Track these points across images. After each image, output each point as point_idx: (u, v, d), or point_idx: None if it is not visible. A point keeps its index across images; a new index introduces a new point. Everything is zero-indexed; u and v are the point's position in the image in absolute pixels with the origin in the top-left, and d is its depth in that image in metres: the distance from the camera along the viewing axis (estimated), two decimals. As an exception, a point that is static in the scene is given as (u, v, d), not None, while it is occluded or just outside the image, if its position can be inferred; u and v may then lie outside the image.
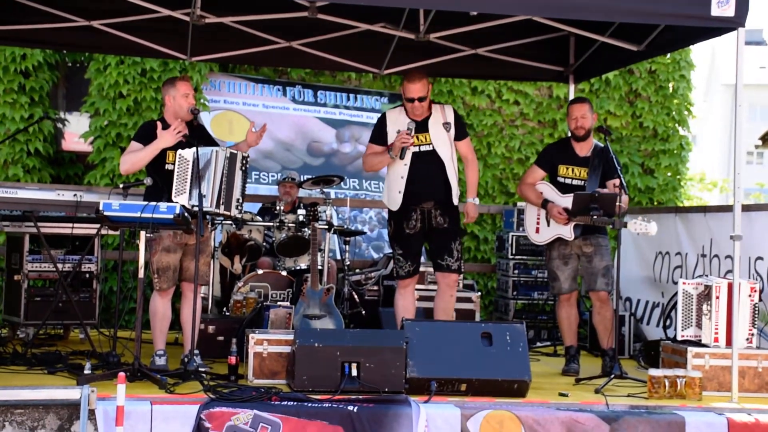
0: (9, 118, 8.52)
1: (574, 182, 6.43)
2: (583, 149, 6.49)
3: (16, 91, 8.57)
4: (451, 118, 6.15)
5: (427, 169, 6.06)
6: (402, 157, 6.01)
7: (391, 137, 6.11)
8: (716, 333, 5.87)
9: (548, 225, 6.44)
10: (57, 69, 8.98)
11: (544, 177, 6.58)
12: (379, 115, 7.22)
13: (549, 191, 6.47)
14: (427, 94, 6.10)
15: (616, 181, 6.14)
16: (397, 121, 6.13)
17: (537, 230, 6.53)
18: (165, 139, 5.70)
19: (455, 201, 6.15)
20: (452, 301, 6.17)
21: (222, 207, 5.72)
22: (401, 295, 6.18)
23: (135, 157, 5.73)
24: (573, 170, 6.46)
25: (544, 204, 6.41)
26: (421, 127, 6.09)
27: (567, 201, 6.31)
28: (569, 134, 6.62)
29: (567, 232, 6.35)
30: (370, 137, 6.31)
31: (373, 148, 6.20)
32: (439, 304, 6.17)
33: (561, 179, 6.47)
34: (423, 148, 6.08)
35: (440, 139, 6.10)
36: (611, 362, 6.01)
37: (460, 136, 6.19)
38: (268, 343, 5.50)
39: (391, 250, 6.40)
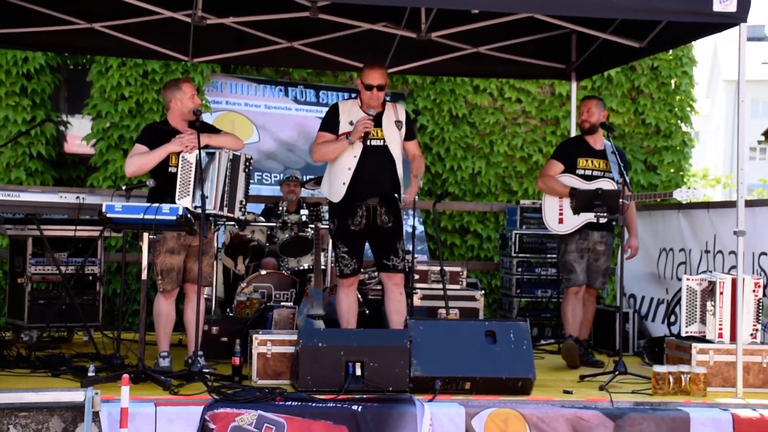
0: (11, 121, 8.54)
1: (595, 173, 6.55)
2: (596, 143, 6.65)
3: (18, 94, 8.59)
4: (402, 117, 6.06)
5: (376, 164, 5.93)
6: (364, 142, 5.85)
7: (343, 128, 5.96)
8: (720, 329, 5.86)
9: (575, 213, 6.49)
10: (59, 72, 8.99)
11: (564, 170, 6.62)
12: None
13: (573, 181, 6.54)
14: (386, 86, 5.98)
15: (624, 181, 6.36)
16: (350, 113, 6.00)
17: (560, 220, 6.55)
18: (175, 145, 5.66)
19: (400, 197, 6.04)
20: (403, 300, 6.04)
21: (225, 209, 5.71)
22: (345, 295, 6.06)
23: (142, 160, 5.71)
24: (592, 162, 6.58)
25: (573, 192, 6.46)
26: (375, 121, 5.96)
27: (592, 188, 6.41)
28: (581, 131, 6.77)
29: (592, 215, 6.38)
30: (320, 126, 6.13)
31: (324, 136, 6.02)
32: (391, 306, 6.00)
33: (582, 171, 6.58)
34: (374, 143, 5.95)
35: (392, 136, 6.00)
36: (585, 351, 6.08)
37: (410, 136, 6.08)
38: (272, 343, 5.50)
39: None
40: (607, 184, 6.45)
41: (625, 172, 6.36)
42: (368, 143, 5.91)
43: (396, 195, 6.03)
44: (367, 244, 6.13)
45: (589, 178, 6.54)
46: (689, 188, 6.15)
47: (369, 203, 5.96)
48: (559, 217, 6.56)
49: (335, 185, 5.97)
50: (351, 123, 5.96)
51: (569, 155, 6.64)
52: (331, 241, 6.48)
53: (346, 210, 5.97)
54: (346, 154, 5.94)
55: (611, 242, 6.65)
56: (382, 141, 5.99)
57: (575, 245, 6.55)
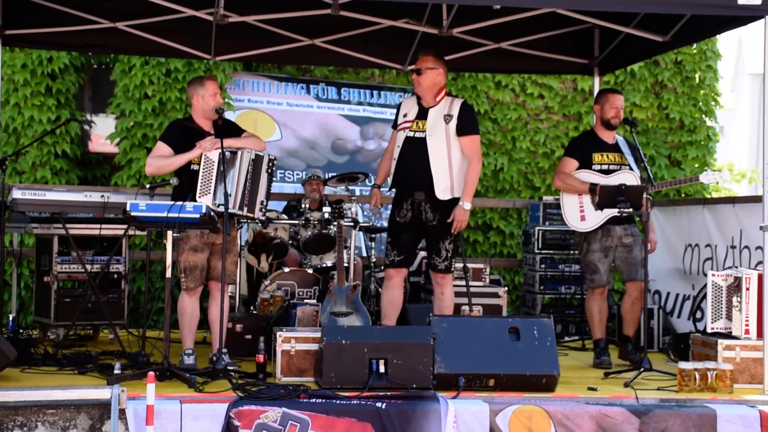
0: (37, 120, 8.60)
1: (611, 167, 6.44)
2: (609, 137, 6.55)
3: (43, 93, 8.66)
4: (455, 111, 6.00)
5: (412, 156, 5.98)
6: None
7: (399, 120, 6.15)
8: (747, 325, 5.80)
9: (597, 209, 6.36)
10: (83, 71, 9.06)
11: (579, 167, 6.52)
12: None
13: (591, 177, 6.43)
14: (426, 71, 5.97)
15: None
16: (407, 106, 6.16)
17: (582, 218, 6.45)
18: (196, 152, 5.68)
19: (445, 196, 5.95)
20: (444, 299, 6.07)
21: (245, 209, 5.72)
22: (386, 288, 6.08)
23: (161, 163, 5.74)
24: (608, 156, 6.48)
25: (593, 188, 6.34)
26: (423, 113, 6.04)
27: (614, 181, 6.31)
28: (593, 124, 6.67)
29: (616, 210, 6.26)
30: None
31: (391, 136, 6.27)
32: (435, 303, 6.14)
33: (597, 166, 6.46)
34: (417, 135, 6.02)
35: (435, 129, 5.98)
36: (632, 349, 6.01)
37: (461, 131, 5.99)
38: (296, 340, 5.51)
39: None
40: (628, 177, 6.33)
41: (645, 164, 6.27)
42: (412, 135, 6.02)
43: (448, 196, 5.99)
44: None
45: (606, 173, 6.43)
46: (714, 170, 5.97)
47: (416, 198, 6.01)
48: (581, 214, 6.44)
49: (391, 175, 6.16)
50: (405, 115, 6.11)
51: (583, 151, 6.51)
52: (357, 238, 6.53)
53: (397, 201, 6.13)
54: (395, 144, 6.11)
55: (637, 233, 6.49)
56: (423, 133, 6.02)
57: (599, 244, 6.42)
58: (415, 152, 5.98)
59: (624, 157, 6.45)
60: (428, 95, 6.05)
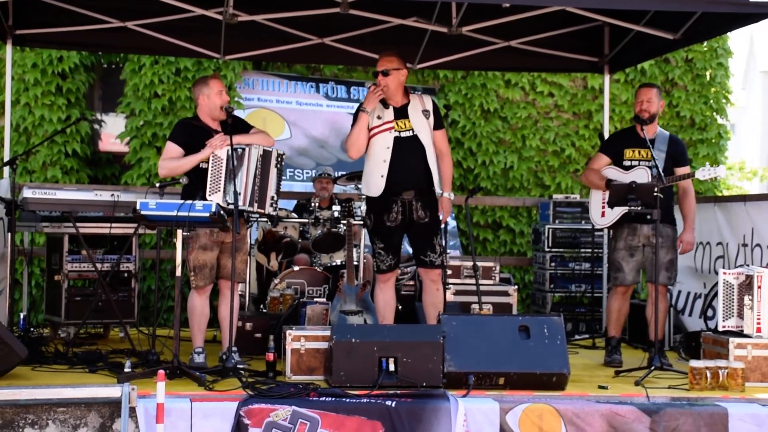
0: (47, 119, 8.63)
1: (641, 163, 6.32)
2: (648, 132, 6.32)
3: (53, 93, 8.68)
4: (429, 107, 6.05)
5: (408, 155, 5.94)
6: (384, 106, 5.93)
7: (372, 122, 5.97)
8: (758, 323, 5.78)
9: (609, 206, 6.31)
10: (93, 70, 9.08)
11: (610, 164, 6.46)
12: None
13: (614, 173, 6.37)
14: (393, 72, 5.93)
15: (686, 170, 6.25)
16: (376, 108, 6.00)
17: (602, 214, 6.41)
18: (207, 152, 5.68)
19: (438, 190, 6.03)
20: (440, 295, 6.08)
21: (256, 205, 5.72)
22: (381, 290, 6.07)
23: (173, 164, 5.74)
24: (639, 152, 6.35)
25: (608, 184, 6.29)
26: (401, 113, 6.00)
27: (631, 177, 6.21)
28: (634, 120, 6.49)
29: (632, 207, 6.14)
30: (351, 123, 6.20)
31: (362, 118, 6.01)
32: (428, 299, 6.07)
33: (627, 162, 6.36)
34: (404, 134, 5.97)
35: (421, 125, 6.00)
36: (652, 353, 5.95)
37: (437, 125, 6.07)
38: (306, 339, 5.51)
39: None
40: (641, 173, 6.24)
41: (656, 161, 6.08)
42: (399, 135, 5.95)
43: (432, 189, 6.01)
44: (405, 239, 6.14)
45: (627, 169, 6.35)
46: (711, 165, 5.90)
47: (405, 198, 5.96)
48: (602, 210, 6.41)
49: (373, 179, 5.98)
50: (379, 117, 6.00)
51: (616, 146, 6.45)
52: (366, 236, 6.49)
53: (382, 205, 5.99)
54: (379, 146, 5.97)
55: (670, 233, 6.31)
56: (411, 131, 5.99)
57: (624, 242, 6.33)
58: (410, 151, 5.95)
59: (652, 153, 6.23)
60: (398, 94, 6.03)
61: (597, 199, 6.47)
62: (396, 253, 6.06)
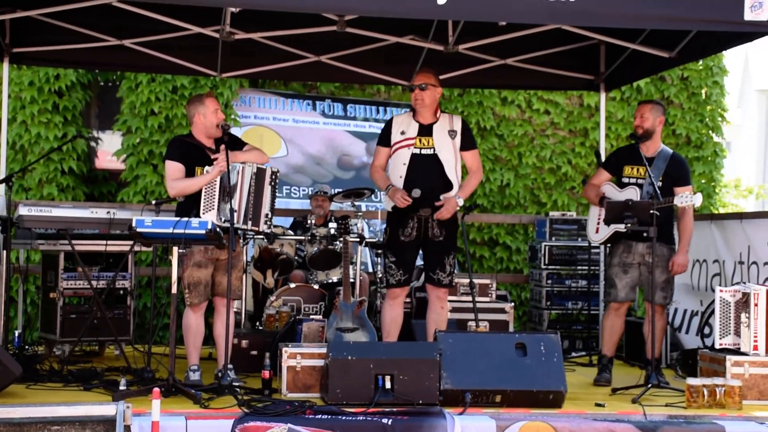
0: (43, 137, 8.63)
1: (639, 181, 6.31)
2: (649, 150, 6.34)
3: (50, 110, 8.69)
4: (458, 127, 6.09)
5: (425, 173, 5.97)
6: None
7: (395, 137, 6.05)
8: (755, 341, 5.77)
9: (605, 224, 6.30)
10: (89, 88, 9.09)
11: (611, 179, 6.47)
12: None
13: (610, 190, 6.38)
14: (430, 87, 6.02)
15: (688, 190, 6.19)
16: (402, 123, 6.10)
17: (597, 230, 6.42)
18: (216, 171, 5.68)
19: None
20: (444, 313, 6.10)
21: (250, 222, 5.72)
22: (390, 306, 6.07)
23: (183, 184, 5.72)
24: (637, 170, 6.34)
25: (602, 201, 6.31)
26: (426, 131, 6.04)
27: (624, 195, 6.22)
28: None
29: (622, 225, 6.14)
30: (377, 141, 6.24)
31: (379, 151, 6.16)
32: (431, 317, 6.09)
33: (626, 179, 6.36)
34: (424, 152, 6.01)
35: (443, 144, 6.03)
36: (649, 371, 5.93)
37: (466, 146, 6.10)
38: (302, 356, 5.50)
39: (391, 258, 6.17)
40: (631, 193, 6.23)
41: (653, 179, 6.07)
42: (418, 152, 5.99)
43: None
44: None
45: (624, 186, 6.36)
46: (688, 195, 5.93)
47: (421, 215, 5.97)
48: (597, 226, 6.42)
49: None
50: (402, 132, 6.04)
51: (616, 162, 6.45)
52: (362, 253, 6.47)
53: (398, 220, 6.02)
54: (397, 162, 6.04)
55: (665, 253, 6.26)
56: (431, 149, 6.02)
57: (618, 258, 6.32)
58: (426, 169, 5.99)
59: (649, 172, 6.21)
60: (429, 112, 6.08)
61: (594, 216, 6.49)
62: (408, 270, 6.06)
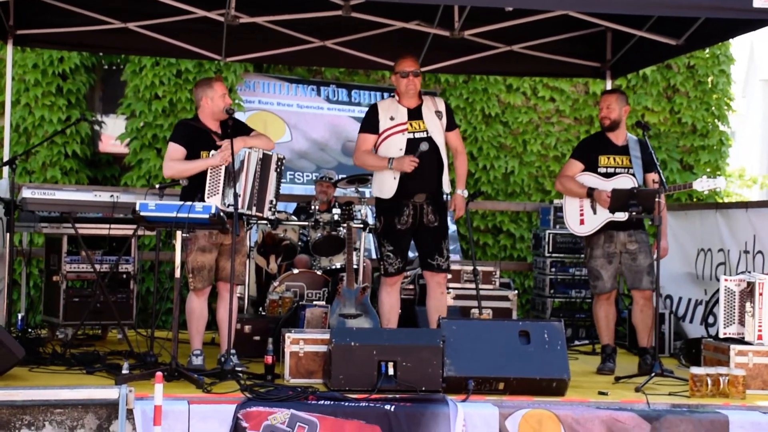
0: (47, 120, 8.61)
1: (618, 170, 6.29)
2: (618, 139, 6.37)
3: (53, 93, 8.66)
4: (442, 108, 6.08)
5: (422, 156, 5.92)
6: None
7: (383, 124, 5.98)
8: (760, 330, 5.76)
9: (595, 213, 6.26)
10: (93, 71, 9.07)
11: (584, 170, 6.43)
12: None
13: (592, 180, 6.32)
14: (419, 73, 6.02)
15: (655, 176, 6.09)
16: (389, 109, 6.03)
17: (581, 222, 6.34)
18: (218, 159, 5.65)
19: (447, 191, 6.03)
20: (444, 298, 6.11)
21: (254, 208, 5.70)
22: (388, 293, 6.07)
23: (180, 167, 5.69)
24: (614, 159, 6.32)
25: (590, 192, 6.25)
26: (415, 114, 6.01)
27: (612, 185, 6.19)
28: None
29: (621, 214, 6.13)
30: (360, 128, 6.15)
31: (366, 139, 6.04)
32: (432, 303, 6.08)
33: (603, 169, 6.32)
34: (417, 135, 5.97)
35: (434, 127, 6.01)
36: (651, 361, 5.92)
37: (450, 126, 6.11)
38: (305, 342, 5.49)
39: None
40: (626, 181, 6.21)
41: (658, 167, 6.05)
42: (412, 136, 5.94)
43: (443, 193, 6.02)
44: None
45: (611, 176, 6.30)
46: (710, 177, 5.87)
47: (416, 201, 5.95)
48: (581, 218, 6.32)
49: (386, 182, 5.97)
50: (392, 118, 5.98)
51: (589, 154, 6.39)
52: (366, 240, 6.47)
53: (393, 208, 5.99)
54: (391, 147, 5.97)
55: (644, 239, 6.30)
56: (425, 133, 5.99)
57: (601, 250, 6.29)
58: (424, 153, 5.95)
59: (631, 161, 6.27)
60: (415, 96, 6.06)
61: (573, 207, 6.37)
62: (404, 257, 6.07)
